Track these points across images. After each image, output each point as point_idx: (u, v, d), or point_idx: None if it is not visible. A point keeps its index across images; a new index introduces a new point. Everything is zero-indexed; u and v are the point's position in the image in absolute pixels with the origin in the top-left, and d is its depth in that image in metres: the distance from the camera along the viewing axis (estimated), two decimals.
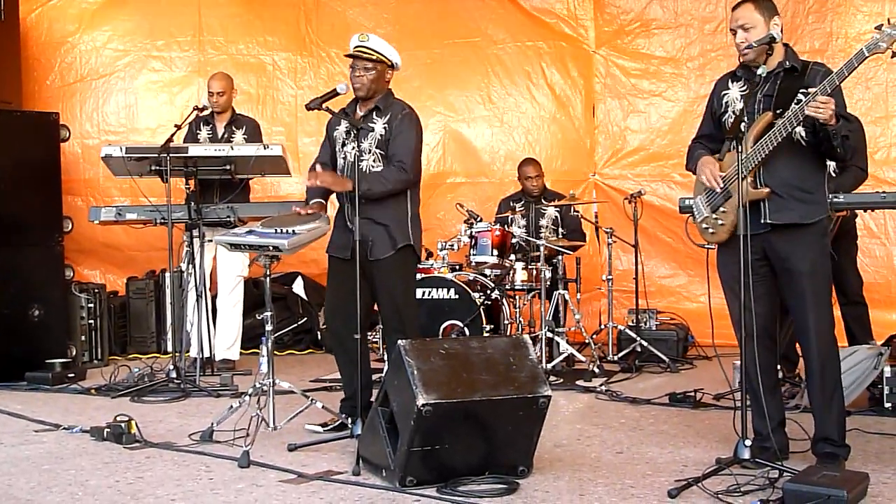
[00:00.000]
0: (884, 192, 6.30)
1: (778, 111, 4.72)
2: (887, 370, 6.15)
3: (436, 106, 10.36)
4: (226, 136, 8.21)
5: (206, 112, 8.08)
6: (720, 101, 5.03)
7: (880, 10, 9.10)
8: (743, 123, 4.67)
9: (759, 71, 4.69)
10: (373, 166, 5.71)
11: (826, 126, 4.54)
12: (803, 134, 4.73)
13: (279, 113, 10.37)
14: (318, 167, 5.79)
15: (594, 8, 10.15)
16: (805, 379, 5.12)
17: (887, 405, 6.14)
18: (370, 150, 5.72)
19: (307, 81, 10.32)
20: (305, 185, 5.94)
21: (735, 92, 4.96)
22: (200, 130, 8.25)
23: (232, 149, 7.73)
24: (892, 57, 4.44)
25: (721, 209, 4.92)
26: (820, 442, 4.90)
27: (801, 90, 4.66)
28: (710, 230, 5.01)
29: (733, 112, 4.90)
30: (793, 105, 4.64)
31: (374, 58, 5.74)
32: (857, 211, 6.87)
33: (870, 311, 7.17)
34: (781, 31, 4.81)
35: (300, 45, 10.39)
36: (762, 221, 4.78)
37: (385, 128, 5.73)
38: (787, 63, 4.79)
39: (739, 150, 4.67)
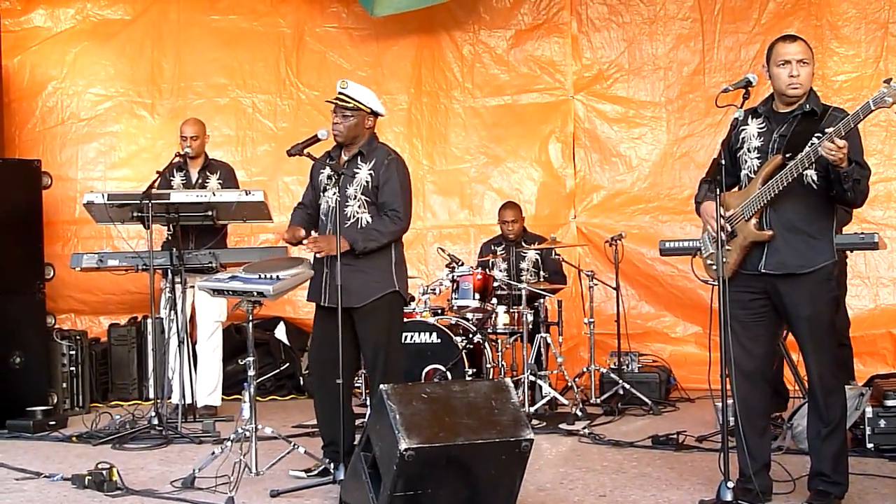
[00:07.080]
0: (862, 234, 6.35)
1: (787, 154, 4.74)
2: (869, 410, 6.18)
3: (416, 153, 10.36)
4: (200, 181, 8.15)
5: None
6: (737, 136, 5.03)
7: (856, 51, 9.22)
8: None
9: (736, 114, 4.75)
10: (357, 212, 5.73)
11: (838, 168, 4.55)
12: (815, 178, 4.76)
13: (259, 154, 10.37)
14: (314, 233, 5.86)
15: (572, 53, 10.19)
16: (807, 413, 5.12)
17: (869, 445, 6.16)
18: (355, 196, 5.74)
19: (287, 124, 10.32)
20: (285, 236, 5.98)
21: (753, 128, 4.98)
22: (174, 177, 8.14)
23: (214, 195, 7.71)
24: None
25: (726, 247, 4.95)
26: (814, 478, 4.95)
27: (816, 134, 4.69)
28: (715, 266, 5.05)
29: (748, 149, 4.94)
30: (806, 148, 4.66)
31: (350, 105, 5.77)
32: (846, 252, 6.88)
33: None
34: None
35: (280, 87, 10.41)
36: (759, 269, 4.84)
37: (371, 174, 5.75)
38: (808, 106, 4.81)
39: (718, 193, 4.72)
